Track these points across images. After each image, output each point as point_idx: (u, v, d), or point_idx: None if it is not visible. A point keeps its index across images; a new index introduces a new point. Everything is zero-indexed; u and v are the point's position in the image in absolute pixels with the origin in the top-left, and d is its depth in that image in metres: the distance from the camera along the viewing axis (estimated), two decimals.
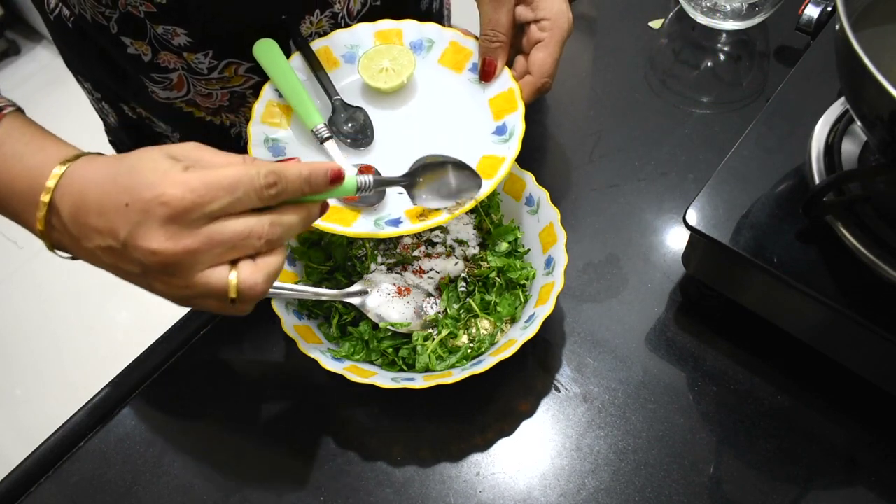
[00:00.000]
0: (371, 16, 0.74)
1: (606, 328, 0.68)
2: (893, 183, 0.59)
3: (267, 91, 0.66)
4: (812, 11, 0.78)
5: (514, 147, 0.62)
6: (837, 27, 0.51)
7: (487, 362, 0.59)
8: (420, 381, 0.60)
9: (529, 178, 0.69)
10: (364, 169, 0.63)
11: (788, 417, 0.62)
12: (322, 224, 0.59)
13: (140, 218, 0.44)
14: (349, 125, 0.66)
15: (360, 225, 0.60)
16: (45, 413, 1.75)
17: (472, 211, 0.69)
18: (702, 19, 0.88)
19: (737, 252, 0.60)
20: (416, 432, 0.64)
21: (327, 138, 0.64)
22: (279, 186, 0.47)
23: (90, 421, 0.66)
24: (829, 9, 0.78)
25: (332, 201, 0.60)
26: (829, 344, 0.62)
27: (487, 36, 0.66)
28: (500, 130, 0.64)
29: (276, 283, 0.64)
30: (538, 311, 0.62)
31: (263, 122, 0.65)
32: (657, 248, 0.72)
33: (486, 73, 0.67)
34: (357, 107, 0.67)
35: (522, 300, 0.66)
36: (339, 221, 0.60)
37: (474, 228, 0.69)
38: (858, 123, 0.56)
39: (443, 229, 0.68)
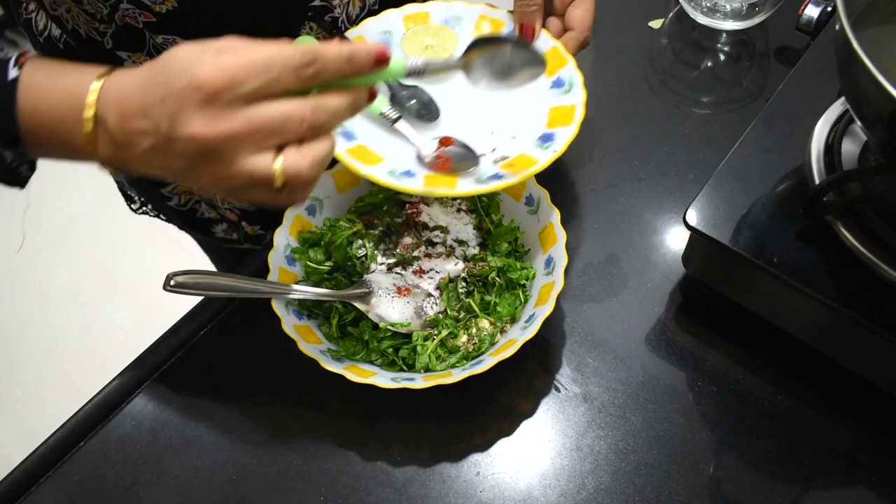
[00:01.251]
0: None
1: (606, 328, 0.68)
2: (893, 183, 0.59)
3: None
4: (812, 11, 0.78)
5: (579, 95, 0.64)
6: (837, 27, 0.51)
7: (487, 362, 0.59)
8: (420, 381, 0.60)
9: (529, 178, 0.69)
10: (444, 140, 0.64)
11: (788, 417, 0.62)
12: (345, 157, 0.59)
13: (177, 107, 0.44)
14: (412, 102, 0.67)
15: (377, 170, 0.60)
16: (45, 413, 1.75)
17: (471, 211, 0.70)
18: (702, 19, 0.87)
19: (737, 252, 0.60)
20: (416, 432, 0.64)
21: (397, 118, 0.65)
22: (317, 65, 0.46)
23: (90, 421, 0.66)
24: (829, 9, 0.78)
25: (362, 141, 0.61)
26: (829, 344, 0.62)
27: (524, 2, 0.67)
28: (558, 83, 0.63)
29: (276, 284, 0.65)
30: (538, 311, 0.62)
31: None
32: (657, 248, 0.72)
33: (525, 38, 0.68)
34: (412, 85, 0.67)
35: (522, 300, 0.66)
36: (361, 159, 0.60)
37: (474, 228, 0.69)
38: (858, 123, 0.56)
39: (443, 229, 0.68)
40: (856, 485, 0.59)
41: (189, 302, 0.69)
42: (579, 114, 0.63)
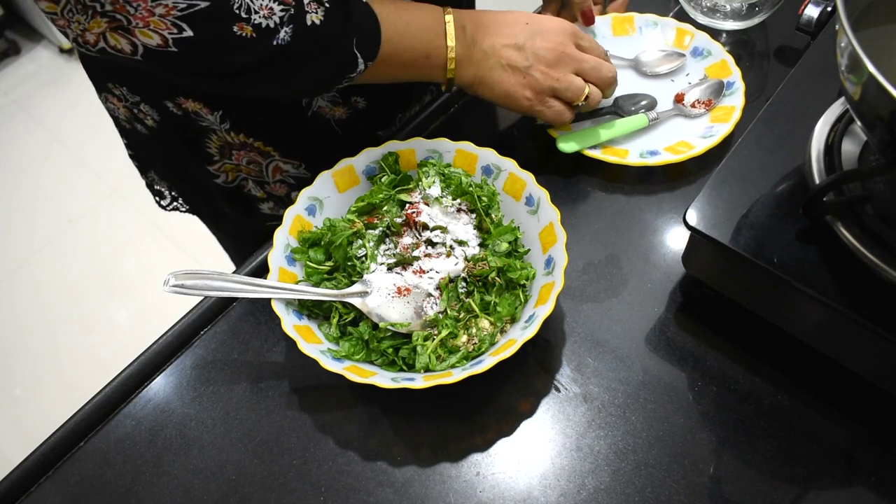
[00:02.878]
0: None
1: (606, 328, 0.68)
2: (893, 183, 0.59)
3: None
4: (812, 11, 0.79)
5: (740, 99, 0.79)
6: (837, 27, 0.51)
7: (487, 362, 0.59)
8: (420, 381, 0.60)
9: (529, 178, 0.69)
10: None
11: (788, 417, 0.62)
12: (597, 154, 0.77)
13: (541, 30, 0.72)
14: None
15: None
16: (45, 413, 1.75)
17: (472, 211, 0.70)
18: (702, 19, 0.88)
19: (737, 252, 0.60)
20: (416, 432, 0.64)
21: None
22: (613, 80, 0.78)
23: (90, 421, 0.66)
24: (829, 9, 0.78)
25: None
26: (829, 344, 0.62)
27: None
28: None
29: (276, 284, 0.65)
30: (538, 311, 0.62)
31: None
32: (657, 248, 0.72)
33: (588, 19, 0.86)
34: None
35: (522, 300, 0.66)
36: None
37: (474, 228, 0.69)
38: (858, 123, 0.56)
39: (443, 229, 0.68)
40: (856, 485, 0.59)
41: (189, 302, 0.69)
42: (737, 115, 0.78)
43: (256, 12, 0.57)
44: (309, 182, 0.70)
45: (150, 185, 0.98)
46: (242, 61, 0.59)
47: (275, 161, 0.85)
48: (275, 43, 0.58)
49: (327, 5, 0.60)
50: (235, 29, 0.57)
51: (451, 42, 0.69)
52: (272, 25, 0.58)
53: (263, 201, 0.91)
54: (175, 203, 0.97)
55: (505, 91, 0.72)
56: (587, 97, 0.74)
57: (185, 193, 0.96)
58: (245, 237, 1.02)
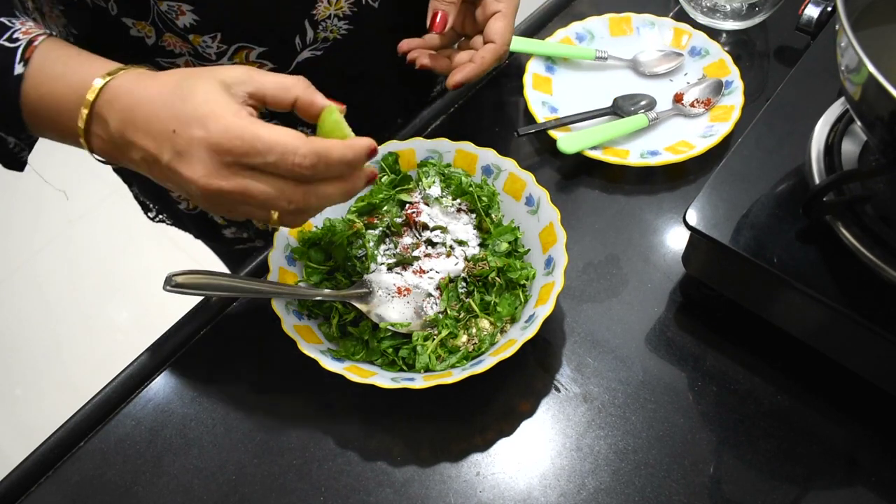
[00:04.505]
0: None
1: (606, 328, 0.68)
2: (893, 183, 0.59)
3: None
4: (812, 11, 0.78)
5: (738, 98, 0.79)
6: (837, 27, 0.51)
7: (487, 362, 0.59)
8: (420, 381, 0.60)
9: (529, 178, 0.69)
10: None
11: (788, 417, 0.62)
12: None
13: (184, 149, 0.49)
14: None
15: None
16: (45, 413, 1.75)
17: (472, 211, 0.70)
18: (702, 19, 0.87)
19: (737, 252, 0.60)
20: (416, 432, 0.64)
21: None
22: (317, 168, 0.50)
23: (90, 421, 0.66)
24: (829, 9, 0.78)
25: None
26: (829, 344, 0.62)
27: None
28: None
29: (276, 284, 0.65)
30: (538, 311, 0.62)
31: None
32: (657, 248, 0.72)
33: (436, 25, 0.69)
34: None
35: (522, 300, 0.66)
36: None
37: (474, 228, 0.69)
38: (858, 123, 0.56)
39: (443, 229, 0.68)
40: (856, 485, 0.59)
41: (189, 302, 0.69)
42: (736, 114, 0.77)
43: None
44: None
45: (136, 197, 0.97)
46: None
47: None
48: None
49: None
50: None
51: (83, 140, 0.53)
52: None
53: (225, 227, 0.90)
54: (161, 216, 0.96)
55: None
56: (281, 219, 0.53)
57: (164, 210, 0.95)
58: (227, 254, 1.01)
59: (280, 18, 0.67)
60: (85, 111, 0.51)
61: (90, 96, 0.51)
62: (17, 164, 0.58)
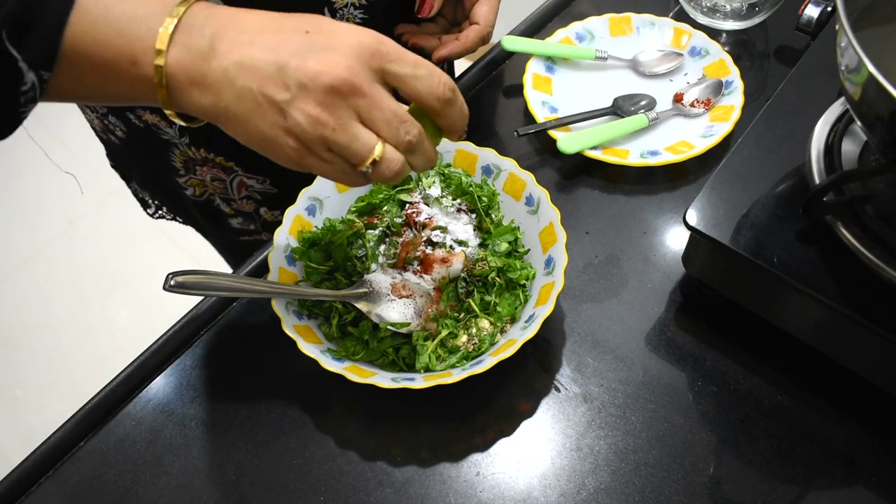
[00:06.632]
0: None
1: (606, 328, 0.68)
2: (893, 183, 0.59)
3: None
4: (812, 11, 0.78)
5: (739, 98, 0.79)
6: (837, 27, 0.51)
7: (487, 362, 0.59)
8: (420, 381, 0.60)
9: (529, 178, 0.69)
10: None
11: (788, 417, 0.62)
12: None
13: (324, 45, 0.45)
14: None
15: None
16: (45, 413, 1.75)
17: (472, 211, 0.70)
18: (702, 19, 0.87)
19: (737, 252, 0.60)
20: (416, 432, 0.64)
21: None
22: (456, 96, 0.50)
23: (90, 421, 0.66)
24: (829, 9, 0.78)
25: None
26: (829, 344, 0.62)
27: None
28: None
29: (276, 284, 0.65)
30: (538, 311, 0.62)
31: None
32: (657, 248, 0.72)
33: (423, 9, 0.74)
34: None
35: (522, 300, 0.66)
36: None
37: (474, 228, 0.69)
38: (858, 123, 0.56)
39: (443, 229, 0.68)
40: (856, 485, 0.59)
41: (189, 302, 0.69)
42: (736, 114, 0.78)
43: None
44: (276, 197, 0.69)
45: (135, 194, 0.97)
46: None
47: (238, 176, 0.84)
48: None
49: None
50: None
51: (160, 45, 0.44)
52: None
53: (232, 217, 0.90)
54: (160, 211, 0.96)
55: (260, 135, 0.47)
56: (375, 162, 0.47)
57: (166, 203, 0.95)
58: (230, 246, 1.01)
59: (302, 4, 0.67)
60: (173, 20, 0.44)
61: (180, 7, 0.45)
62: (15, 119, 0.46)
